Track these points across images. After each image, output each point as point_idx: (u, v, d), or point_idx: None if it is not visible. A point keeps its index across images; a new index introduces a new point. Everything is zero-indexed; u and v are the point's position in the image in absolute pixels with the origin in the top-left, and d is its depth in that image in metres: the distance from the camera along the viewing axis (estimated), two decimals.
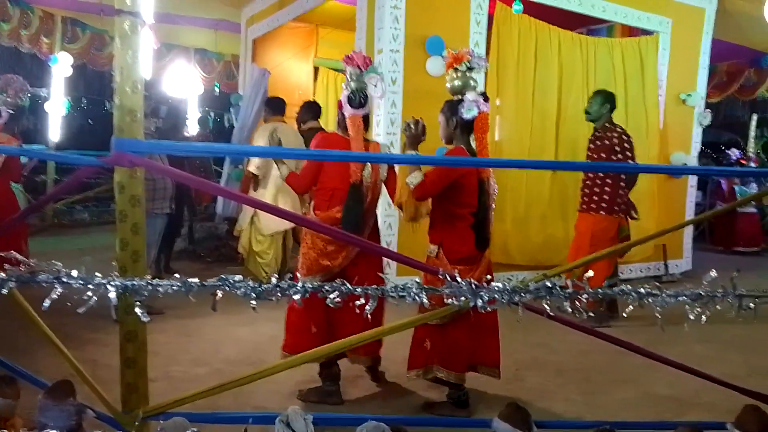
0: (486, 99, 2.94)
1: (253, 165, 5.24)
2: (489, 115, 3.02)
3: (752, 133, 10.53)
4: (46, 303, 1.72)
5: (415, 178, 2.84)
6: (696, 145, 7.05)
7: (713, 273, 1.95)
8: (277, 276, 1.90)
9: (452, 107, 2.97)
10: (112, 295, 1.78)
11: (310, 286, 1.82)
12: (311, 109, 5.90)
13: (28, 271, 1.86)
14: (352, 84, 3.16)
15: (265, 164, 5.19)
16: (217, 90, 11.74)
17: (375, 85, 3.25)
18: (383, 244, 4.25)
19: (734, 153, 9.87)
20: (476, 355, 3.02)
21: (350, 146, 3.07)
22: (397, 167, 3.35)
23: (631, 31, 6.87)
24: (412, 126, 2.92)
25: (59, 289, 1.76)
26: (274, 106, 5.66)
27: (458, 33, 5.31)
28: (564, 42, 5.98)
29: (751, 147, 10.44)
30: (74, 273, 1.75)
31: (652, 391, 3.34)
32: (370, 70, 3.31)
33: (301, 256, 3.13)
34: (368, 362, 3.27)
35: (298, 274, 3.08)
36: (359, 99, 3.09)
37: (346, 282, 1.90)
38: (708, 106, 7.39)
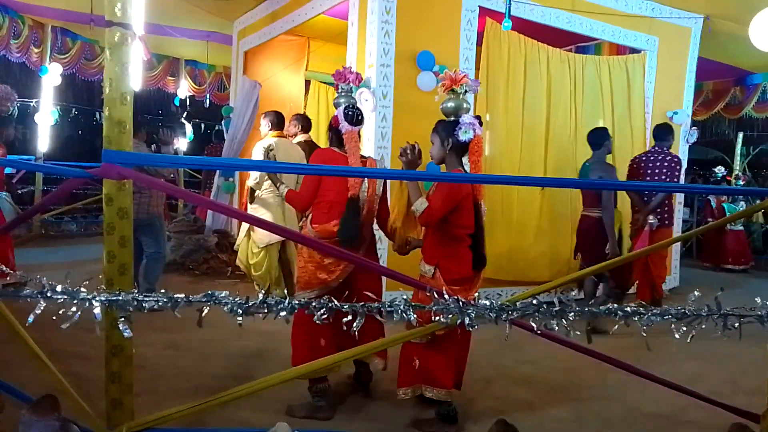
0: (480, 122, 2.95)
1: (252, 179, 5.23)
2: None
3: (738, 150, 10.67)
4: (31, 318, 1.70)
5: (420, 205, 2.83)
6: (683, 162, 7.12)
7: (697, 292, 1.97)
8: (264, 291, 1.89)
9: (447, 128, 2.94)
10: (98, 310, 1.76)
11: (296, 303, 1.81)
12: (301, 123, 5.94)
13: (13, 284, 1.84)
14: (343, 100, 3.18)
15: (262, 178, 5.17)
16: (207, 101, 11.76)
17: (366, 100, 3.29)
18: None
19: (720, 170, 9.98)
20: (459, 371, 3.04)
21: (348, 162, 3.09)
22: (388, 189, 3.36)
23: (619, 49, 6.95)
24: (409, 151, 2.91)
25: (44, 304, 1.74)
26: (274, 121, 5.60)
27: (448, 48, 5.35)
28: (552, 59, 6.04)
29: (737, 165, 10.57)
30: (59, 288, 1.73)
31: (640, 408, 3.34)
32: (360, 84, 3.34)
33: (298, 269, 3.12)
34: (381, 364, 3.25)
35: (296, 289, 3.08)
36: (356, 115, 3.12)
37: (334, 299, 1.89)
38: (694, 123, 7.49)
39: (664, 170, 5.38)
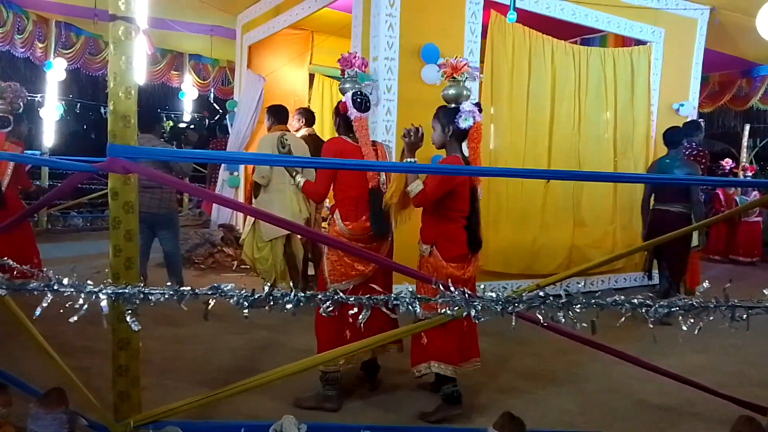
0: (480, 109, 2.98)
1: (258, 173, 5.20)
2: (482, 125, 3.05)
3: (745, 142, 10.59)
4: (38, 311, 1.71)
5: (416, 186, 2.88)
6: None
7: (706, 284, 1.96)
8: (270, 285, 1.90)
9: (447, 115, 2.99)
10: (104, 303, 1.77)
11: (302, 296, 1.81)
12: (305, 116, 5.94)
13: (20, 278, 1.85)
14: (348, 85, 3.18)
15: (269, 172, 5.16)
16: (212, 96, 11.79)
17: (370, 93, 3.28)
18: None
19: (727, 163, 9.92)
20: (465, 349, 3.07)
21: (361, 152, 3.12)
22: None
23: (624, 41, 6.91)
24: (412, 133, 2.93)
25: (51, 297, 1.75)
26: (278, 115, 5.61)
27: (453, 41, 5.33)
28: (557, 51, 6.01)
29: (744, 157, 10.50)
30: (66, 281, 1.74)
31: (645, 400, 3.33)
32: (365, 77, 3.32)
33: (331, 263, 3.12)
34: (397, 348, 3.31)
35: (327, 282, 3.09)
36: (365, 102, 3.13)
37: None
38: (701, 116, 7.46)
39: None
